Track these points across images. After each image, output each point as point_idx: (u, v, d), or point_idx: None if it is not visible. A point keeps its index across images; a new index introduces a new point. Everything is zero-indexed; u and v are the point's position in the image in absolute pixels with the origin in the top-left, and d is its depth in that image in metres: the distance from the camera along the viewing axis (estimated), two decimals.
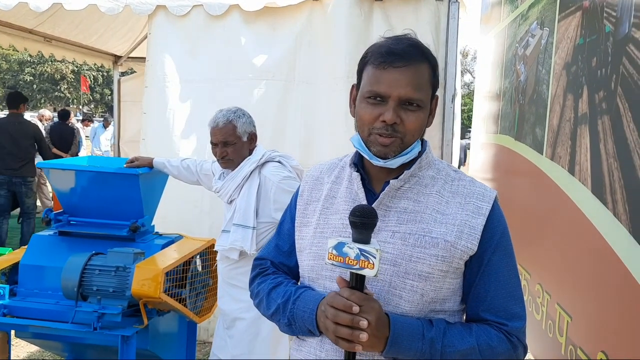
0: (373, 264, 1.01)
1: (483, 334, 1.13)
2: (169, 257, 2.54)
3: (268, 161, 2.43)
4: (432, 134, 3.76)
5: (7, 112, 6.06)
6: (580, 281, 2.08)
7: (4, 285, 2.58)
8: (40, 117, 9.12)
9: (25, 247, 2.76)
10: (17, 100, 6.10)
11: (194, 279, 2.68)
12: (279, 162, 2.45)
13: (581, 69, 2.14)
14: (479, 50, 4.56)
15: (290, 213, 1.34)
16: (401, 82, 1.09)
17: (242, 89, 3.66)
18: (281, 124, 3.70)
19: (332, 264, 1.04)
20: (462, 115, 13.15)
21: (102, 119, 12.59)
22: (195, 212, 3.66)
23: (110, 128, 11.89)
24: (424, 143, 1.21)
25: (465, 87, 26.70)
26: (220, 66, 3.72)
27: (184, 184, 2.92)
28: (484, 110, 4.72)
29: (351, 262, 1.02)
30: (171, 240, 2.83)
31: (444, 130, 3.71)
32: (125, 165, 2.72)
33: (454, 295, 1.17)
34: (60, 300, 2.55)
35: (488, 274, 1.14)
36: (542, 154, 2.69)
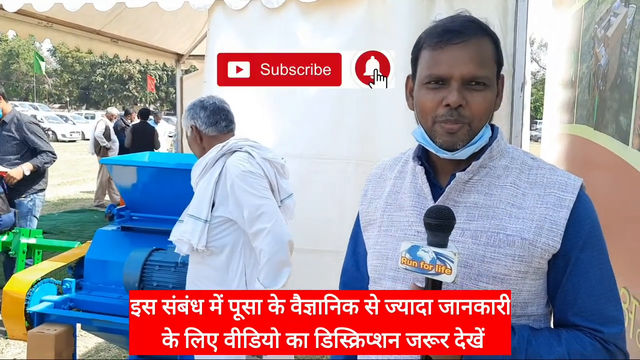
0: (451, 269, 0.91)
1: (575, 342, 0.99)
2: None
3: (236, 150, 2.13)
4: (500, 124, 3.52)
5: None
6: None
7: (71, 279, 2.65)
8: (109, 116, 9.49)
9: (90, 241, 2.82)
10: None
11: None
12: (248, 152, 2.13)
13: None
14: (551, 36, 4.27)
15: (358, 214, 1.27)
16: (463, 60, 0.98)
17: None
18: (338, 116, 3.60)
19: (406, 269, 0.96)
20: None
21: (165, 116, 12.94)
22: None
23: (162, 123, 12.26)
24: (494, 129, 1.09)
25: (532, 76, 25.62)
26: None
27: None
28: (557, 99, 4.40)
29: (426, 266, 0.93)
30: None
31: (513, 122, 3.46)
32: None
33: (537, 298, 1.05)
34: (123, 295, 2.59)
35: (577, 273, 1.02)
36: (628, 145, 2.44)
